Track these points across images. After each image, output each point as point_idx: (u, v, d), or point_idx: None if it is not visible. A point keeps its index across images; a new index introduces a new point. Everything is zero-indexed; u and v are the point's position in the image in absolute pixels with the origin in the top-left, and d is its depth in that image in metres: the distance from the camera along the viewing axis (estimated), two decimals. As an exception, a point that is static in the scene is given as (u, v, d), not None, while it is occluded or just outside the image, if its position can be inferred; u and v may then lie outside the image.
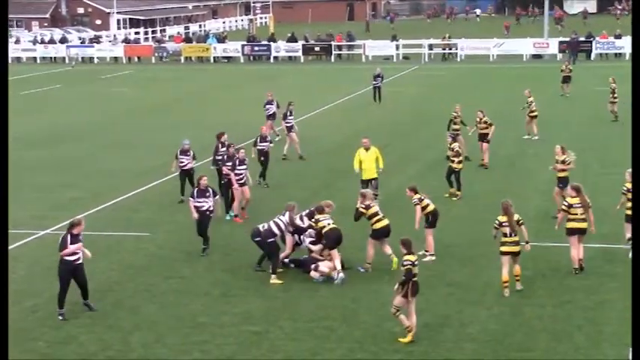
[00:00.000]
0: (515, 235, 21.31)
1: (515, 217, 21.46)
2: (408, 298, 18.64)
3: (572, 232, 22.64)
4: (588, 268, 22.84)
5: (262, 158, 32.39)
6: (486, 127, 34.48)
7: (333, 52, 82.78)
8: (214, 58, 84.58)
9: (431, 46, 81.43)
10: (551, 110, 47.25)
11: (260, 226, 23.26)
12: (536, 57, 77.96)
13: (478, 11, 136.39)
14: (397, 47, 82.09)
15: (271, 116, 40.73)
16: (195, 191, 24.96)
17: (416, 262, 18.81)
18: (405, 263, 18.73)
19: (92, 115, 51.86)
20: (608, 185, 29.93)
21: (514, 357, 18.05)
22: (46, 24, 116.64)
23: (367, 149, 28.94)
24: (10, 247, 25.55)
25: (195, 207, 24.68)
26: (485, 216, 27.86)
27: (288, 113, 37.77)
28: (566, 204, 22.75)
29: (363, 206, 23.37)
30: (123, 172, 32.42)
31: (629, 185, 23.16)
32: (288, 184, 32.61)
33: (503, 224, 21.33)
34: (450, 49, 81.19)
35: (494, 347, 18.47)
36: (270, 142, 33.39)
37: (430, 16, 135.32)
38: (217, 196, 25.39)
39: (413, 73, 71.01)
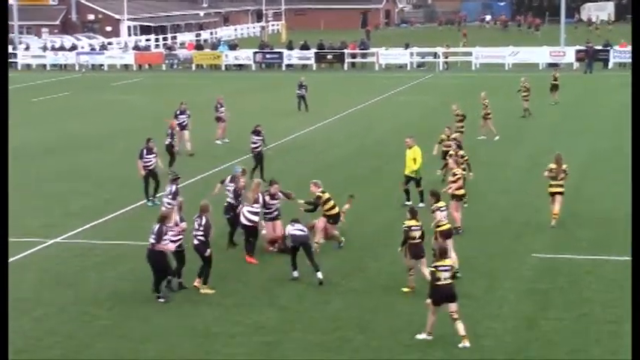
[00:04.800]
0: (560, 180, 27.05)
1: (564, 166, 27.21)
2: (408, 258, 21.48)
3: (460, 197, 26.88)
4: (608, 281, 22.56)
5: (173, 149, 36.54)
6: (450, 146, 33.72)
7: (346, 60, 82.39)
8: (226, 65, 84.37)
9: (446, 55, 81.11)
10: (569, 119, 47.22)
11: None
12: (553, 65, 77.20)
13: (488, 18, 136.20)
14: (411, 55, 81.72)
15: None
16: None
17: (413, 228, 21.41)
18: (404, 227, 21.51)
19: (103, 122, 51.71)
20: (612, 196, 29.59)
21: (532, 371, 17.79)
22: (56, 31, 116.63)
23: (409, 148, 30.18)
24: (19, 256, 25.54)
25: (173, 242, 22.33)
26: (502, 228, 27.68)
27: (178, 112, 40.38)
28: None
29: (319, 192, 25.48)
30: (135, 180, 32.10)
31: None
32: (300, 193, 32.40)
33: (552, 170, 27.21)
34: (447, 57, 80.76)
35: (510, 360, 18.21)
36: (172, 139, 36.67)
37: (442, 24, 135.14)
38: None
39: (427, 82, 70.72)
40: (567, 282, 22.67)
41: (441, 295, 18.65)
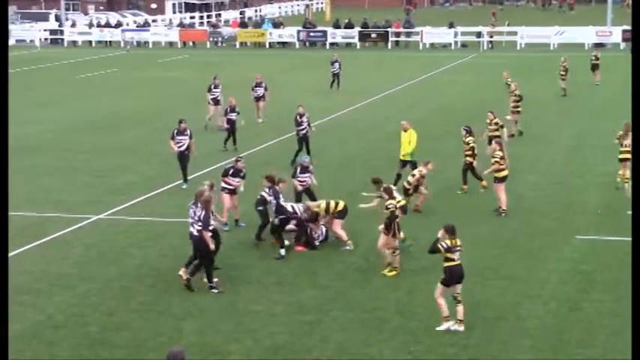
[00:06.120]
0: (628, 147, 28.24)
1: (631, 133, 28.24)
2: (395, 237, 21.50)
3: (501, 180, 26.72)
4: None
5: (229, 126, 36.46)
6: (497, 129, 32.81)
7: (390, 39, 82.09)
8: (269, 43, 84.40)
9: (491, 34, 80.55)
10: (614, 100, 46.82)
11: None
12: (599, 45, 76.37)
13: None
14: (455, 34, 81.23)
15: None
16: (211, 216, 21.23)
17: (397, 206, 21.67)
18: (388, 206, 21.39)
19: (147, 99, 52.00)
20: None
21: (573, 352, 17.65)
22: (102, 7, 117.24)
23: (405, 131, 30.01)
24: (64, 231, 25.80)
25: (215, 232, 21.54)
26: (545, 209, 27.52)
27: (213, 86, 41.30)
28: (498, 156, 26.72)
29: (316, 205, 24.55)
30: (177, 157, 32.29)
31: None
32: (342, 173, 32.43)
33: (621, 136, 28.66)
34: (492, 36, 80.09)
35: (551, 342, 18.08)
36: (238, 113, 36.78)
37: (471, 3, 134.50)
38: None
39: (471, 61, 70.32)
40: (609, 264, 22.51)
41: (453, 276, 18.45)
